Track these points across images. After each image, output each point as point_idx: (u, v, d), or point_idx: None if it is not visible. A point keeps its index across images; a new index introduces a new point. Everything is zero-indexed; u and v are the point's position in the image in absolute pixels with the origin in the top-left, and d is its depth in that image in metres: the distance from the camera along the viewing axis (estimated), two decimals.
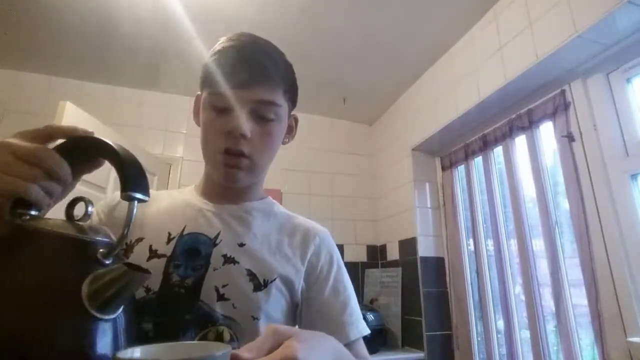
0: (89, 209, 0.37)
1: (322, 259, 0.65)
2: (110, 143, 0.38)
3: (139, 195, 0.37)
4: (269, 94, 0.58)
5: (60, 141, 0.40)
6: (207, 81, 0.58)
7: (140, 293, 0.53)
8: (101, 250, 0.36)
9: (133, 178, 0.37)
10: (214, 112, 0.58)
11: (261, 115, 0.58)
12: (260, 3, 1.61)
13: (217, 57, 0.58)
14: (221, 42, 0.60)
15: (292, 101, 0.65)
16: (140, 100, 2.31)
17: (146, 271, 0.35)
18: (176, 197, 0.67)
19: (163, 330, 0.51)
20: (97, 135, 0.40)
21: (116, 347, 0.35)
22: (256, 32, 0.62)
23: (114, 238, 0.39)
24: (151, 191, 0.70)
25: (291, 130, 0.69)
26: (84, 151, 0.40)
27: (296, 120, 0.70)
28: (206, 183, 0.67)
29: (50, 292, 0.32)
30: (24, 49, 1.93)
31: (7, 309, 0.31)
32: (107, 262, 0.36)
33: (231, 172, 0.59)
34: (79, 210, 0.38)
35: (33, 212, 0.36)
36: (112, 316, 0.34)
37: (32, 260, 0.33)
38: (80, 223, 0.37)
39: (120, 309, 0.35)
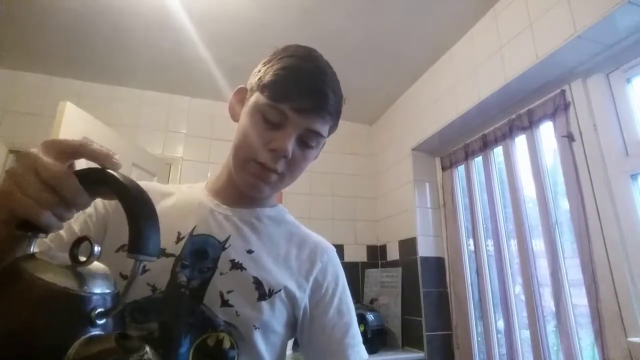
0: (95, 249, 0.35)
1: (328, 278, 0.64)
2: (132, 192, 0.36)
3: (147, 258, 0.35)
4: (320, 126, 0.58)
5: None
6: (268, 89, 0.56)
7: (147, 292, 0.53)
8: (99, 310, 0.33)
9: (145, 237, 0.35)
10: (264, 122, 0.56)
11: (305, 142, 0.58)
12: (261, 2, 1.61)
13: (288, 73, 0.56)
14: (290, 54, 0.58)
15: (332, 132, 0.65)
16: (140, 100, 2.31)
17: (139, 349, 0.32)
18: (187, 195, 0.66)
19: (166, 331, 0.51)
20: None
21: None
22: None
23: (115, 287, 0.37)
24: (161, 185, 0.69)
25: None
26: (105, 186, 0.38)
27: (323, 144, 0.69)
28: (222, 184, 0.66)
29: (27, 349, 0.29)
30: (24, 49, 1.93)
31: None
32: (100, 322, 0.33)
33: (258, 184, 0.58)
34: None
35: (41, 235, 0.35)
36: None
37: (17, 310, 0.31)
38: (83, 270, 0.35)
39: None
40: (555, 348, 1.41)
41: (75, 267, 0.34)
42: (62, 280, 0.33)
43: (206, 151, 2.34)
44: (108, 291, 0.35)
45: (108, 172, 0.37)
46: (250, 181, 0.58)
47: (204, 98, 2.41)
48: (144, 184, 0.65)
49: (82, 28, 1.76)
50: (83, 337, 0.31)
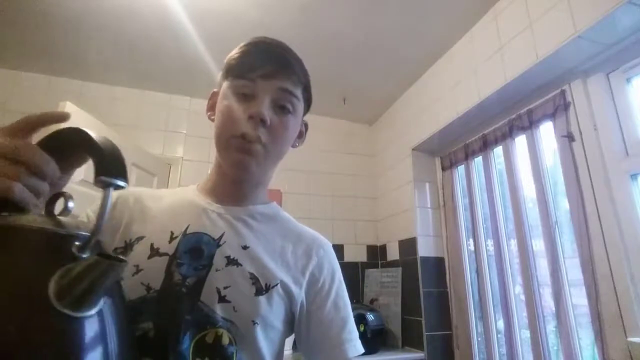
0: (69, 204, 0.35)
1: (325, 272, 0.65)
2: (87, 131, 0.35)
3: (115, 181, 0.33)
4: (290, 85, 0.61)
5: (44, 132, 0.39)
6: (231, 70, 0.60)
7: (141, 292, 0.52)
8: (77, 243, 0.33)
9: (109, 162, 0.34)
10: (236, 98, 0.59)
11: (281, 105, 0.60)
12: (260, 2, 1.61)
13: (245, 49, 0.60)
14: (250, 40, 0.62)
15: (307, 103, 0.67)
16: (140, 100, 2.31)
17: (121, 260, 0.32)
18: (180, 196, 0.66)
19: (163, 330, 0.51)
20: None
21: (104, 345, 0.32)
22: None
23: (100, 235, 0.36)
24: (154, 189, 0.70)
25: (301, 135, 0.71)
26: (65, 144, 0.37)
27: (306, 126, 0.72)
28: (212, 183, 0.67)
29: (18, 291, 0.30)
30: (24, 49, 1.93)
31: None
32: (84, 256, 0.33)
33: (243, 158, 0.58)
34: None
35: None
36: (89, 313, 0.31)
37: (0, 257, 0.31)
38: (60, 218, 0.34)
39: (100, 305, 0.32)
40: (555, 348, 1.41)
41: (53, 217, 0.35)
42: (44, 225, 0.33)
43: (206, 151, 2.34)
44: (86, 233, 0.35)
45: (63, 128, 0.37)
46: (236, 158, 0.59)
47: (204, 98, 2.39)
48: (132, 189, 0.65)
49: (82, 28, 1.76)
50: (62, 268, 0.31)
